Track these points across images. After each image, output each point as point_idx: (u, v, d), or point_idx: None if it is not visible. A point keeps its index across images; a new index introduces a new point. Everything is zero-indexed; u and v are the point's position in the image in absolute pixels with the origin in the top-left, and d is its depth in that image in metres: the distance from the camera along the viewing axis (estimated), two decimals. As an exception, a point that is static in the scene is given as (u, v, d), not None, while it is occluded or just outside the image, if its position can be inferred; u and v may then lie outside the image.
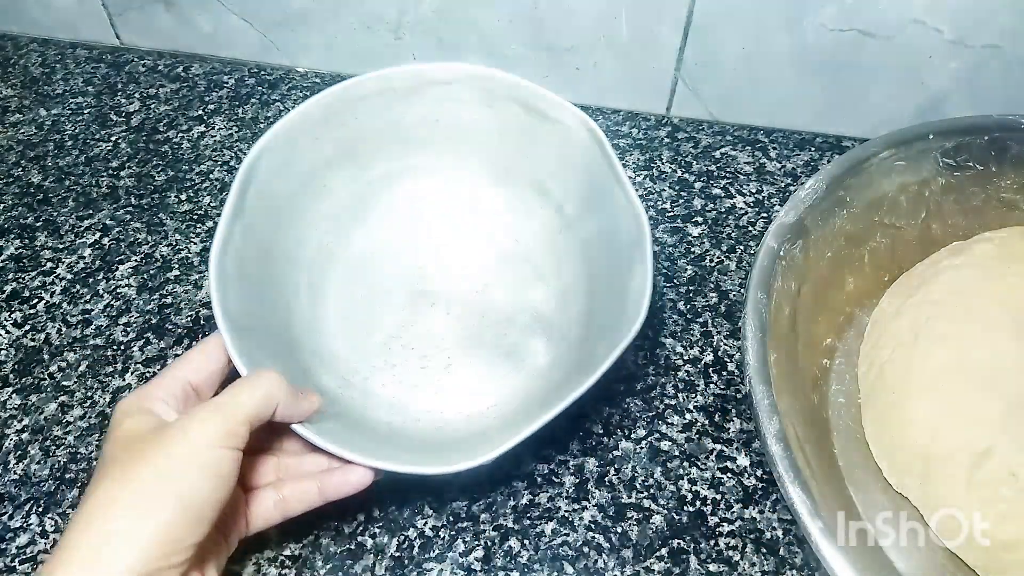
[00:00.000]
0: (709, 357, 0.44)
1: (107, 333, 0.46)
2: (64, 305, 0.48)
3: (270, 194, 0.40)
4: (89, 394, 0.43)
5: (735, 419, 0.42)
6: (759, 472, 0.39)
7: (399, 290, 0.44)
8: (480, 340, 0.42)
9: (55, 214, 0.53)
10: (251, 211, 0.39)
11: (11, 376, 0.44)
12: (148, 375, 0.43)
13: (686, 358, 0.44)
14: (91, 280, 0.49)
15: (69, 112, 0.61)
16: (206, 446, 0.28)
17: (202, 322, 0.46)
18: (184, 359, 0.33)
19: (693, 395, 0.43)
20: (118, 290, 0.48)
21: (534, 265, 0.43)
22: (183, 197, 0.54)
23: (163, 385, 0.32)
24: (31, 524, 0.38)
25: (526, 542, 0.37)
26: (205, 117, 0.60)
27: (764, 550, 0.37)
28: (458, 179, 0.46)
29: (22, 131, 0.60)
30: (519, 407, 0.39)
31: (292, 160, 0.41)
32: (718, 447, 0.41)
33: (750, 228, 0.51)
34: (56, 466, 0.40)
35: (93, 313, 0.47)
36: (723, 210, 0.52)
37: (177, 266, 0.50)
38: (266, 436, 0.34)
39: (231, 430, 0.29)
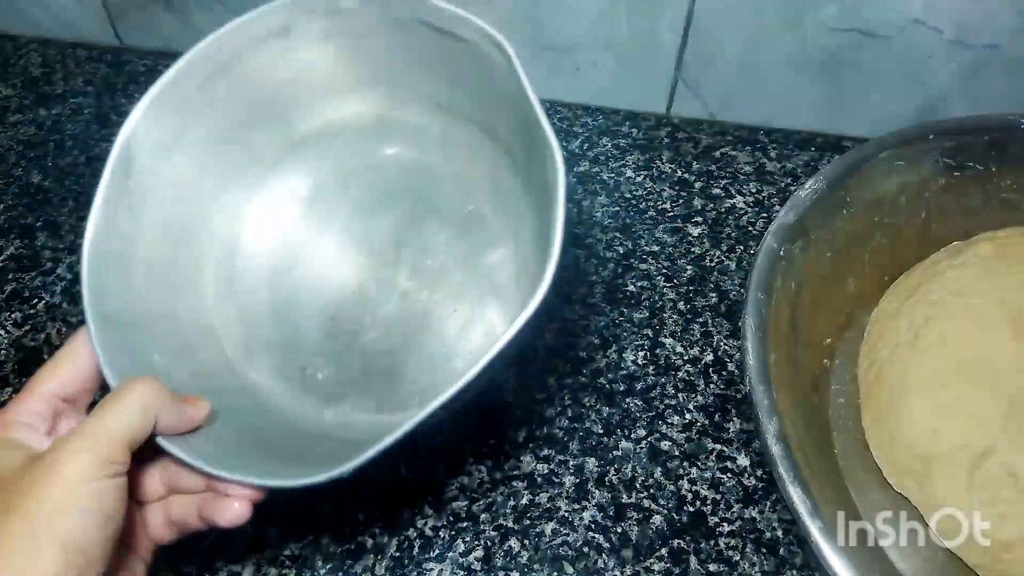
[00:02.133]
0: (709, 357, 0.44)
1: (107, 333, 0.46)
2: (64, 305, 0.48)
3: (163, 170, 0.34)
4: (89, 394, 0.43)
5: (735, 419, 0.42)
6: (759, 472, 0.39)
7: (339, 269, 0.38)
8: (427, 321, 0.37)
9: (55, 214, 0.53)
10: (140, 191, 0.33)
11: (11, 376, 0.44)
12: (148, 375, 0.43)
13: (686, 358, 0.44)
14: (91, 280, 0.49)
15: (69, 112, 0.61)
16: (83, 482, 0.24)
17: (202, 322, 0.46)
18: (48, 369, 0.28)
19: (693, 395, 0.43)
20: (118, 290, 0.48)
21: (491, 229, 0.38)
22: (183, 197, 0.54)
23: (25, 407, 0.27)
24: (31, 524, 0.38)
25: (526, 542, 0.37)
26: (205, 117, 0.60)
27: (764, 550, 0.37)
28: (392, 133, 0.39)
29: (22, 131, 0.60)
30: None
31: (186, 128, 0.35)
32: (718, 447, 0.41)
33: (750, 228, 0.51)
34: (56, 466, 0.40)
35: (93, 313, 0.47)
36: (723, 210, 0.52)
37: (177, 266, 0.50)
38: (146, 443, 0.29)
39: (108, 458, 0.25)
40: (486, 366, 0.26)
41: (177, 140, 0.34)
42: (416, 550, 0.37)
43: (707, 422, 0.42)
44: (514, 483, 0.39)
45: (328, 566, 0.36)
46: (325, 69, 0.37)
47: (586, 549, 0.37)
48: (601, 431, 0.41)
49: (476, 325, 0.37)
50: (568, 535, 0.37)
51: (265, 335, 0.37)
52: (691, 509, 0.38)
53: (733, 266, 0.49)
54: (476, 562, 0.36)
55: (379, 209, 0.39)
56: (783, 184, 0.54)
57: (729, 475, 0.39)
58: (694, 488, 0.39)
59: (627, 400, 0.42)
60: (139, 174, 0.33)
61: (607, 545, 0.37)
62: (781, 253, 0.38)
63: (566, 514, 0.38)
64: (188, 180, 0.35)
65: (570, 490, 0.39)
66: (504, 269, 0.37)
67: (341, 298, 0.38)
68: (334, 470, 0.27)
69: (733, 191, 0.54)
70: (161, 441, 0.28)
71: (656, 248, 0.50)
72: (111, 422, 0.25)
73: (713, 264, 0.49)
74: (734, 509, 0.38)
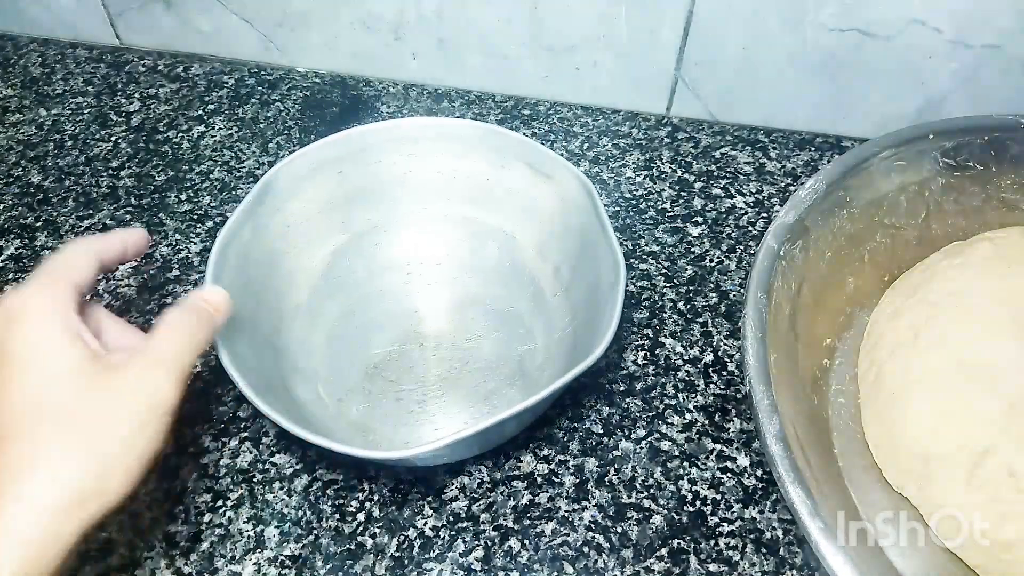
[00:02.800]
0: (709, 357, 0.44)
1: (107, 333, 0.46)
2: (64, 305, 0.47)
3: (285, 210, 0.43)
4: (89, 394, 0.43)
5: (735, 419, 0.42)
6: (759, 472, 0.39)
7: (392, 327, 0.45)
8: (458, 383, 0.42)
9: (55, 214, 0.53)
10: (264, 217, 0.41)
11: (11, 376, 0.44)
12: (148, 375, 0.43)
13: (686, 358, 0.44)
14: (91, 280, 0.49)
15: (69, 112, 0.61)
16: (160, 414, 0.28)
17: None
18: (73, 258, 0.31)
19: (693, 395, 0.43)
20: (118, 290, 0.48)
21: (526, 327, 0.44)
22: (183, 197, 0.54)
23: (67, 295, 0.29)
24: (31, 524, 0.38)
25: (526, 542, 0.37)
26: (205, 117, 0.60)
27: (764, 550, 0.37)
28: (465, 236, 0.47)
29: (22, 131, 0.60)
30: None
31: (311, 186, 0.44)
32: (718, 447, 0.41)
33: (750, 228, 0.51)
34: (56, 466, 0.40)
35: (93, 313, 0.47)
36: (723, 210, 0.52)
37: (177, 266, 0.50)
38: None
39: (178, 392, 0.29)
40: (558, 389, 0.32)
41: (300, 192, 0.43)
42: (416, 550, 0.37)
43: (707, 422, 0.42)
44: (514, 483, 0.39)
45: (328, 566, 0.36)
46: (428, 177, 0.46)
47: (586, 549, 0.37)
48: (601, 431, 0.41)
49: (500, 397, 0.42)
50: (568, 535, 0.37)
51: (314, 364, 0.42)
52: (691, 509, 0.38)
53: (733, 266, 0.49)
54: (476, 562, 0.36)
55: (435, 289, 0.47)
56: (783, 184, 0.54)
57: (729, 475, 0.39)
58: (694, 488, 0.39)
59: (627, 400, 0.42)
60: (267, 205, 0.41)
61: (607, 545, 0.37)
62: (781, 253, 0.38)
63: (566, 514, 0.38)
64: (295, 224, 0.43)
65: (570, 490, 0.39)
66: (532, 359, 0.43)
67: (387, 352, 0.44)
68: (409, 450, 0.31)
69: (733, 191, 0.54)
70: (269, 414, 0.32)
71: (656, 248, 0.50)
72: (184, 358, 0.30)
73: (713, 264, 0.49)
74: (734, 509, 0.38)
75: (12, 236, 0.52)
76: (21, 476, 0.25)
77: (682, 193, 0.54)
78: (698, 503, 0.38)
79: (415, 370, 0.43)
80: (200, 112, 0.61)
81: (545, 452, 0.40)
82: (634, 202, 0.53)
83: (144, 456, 0.28)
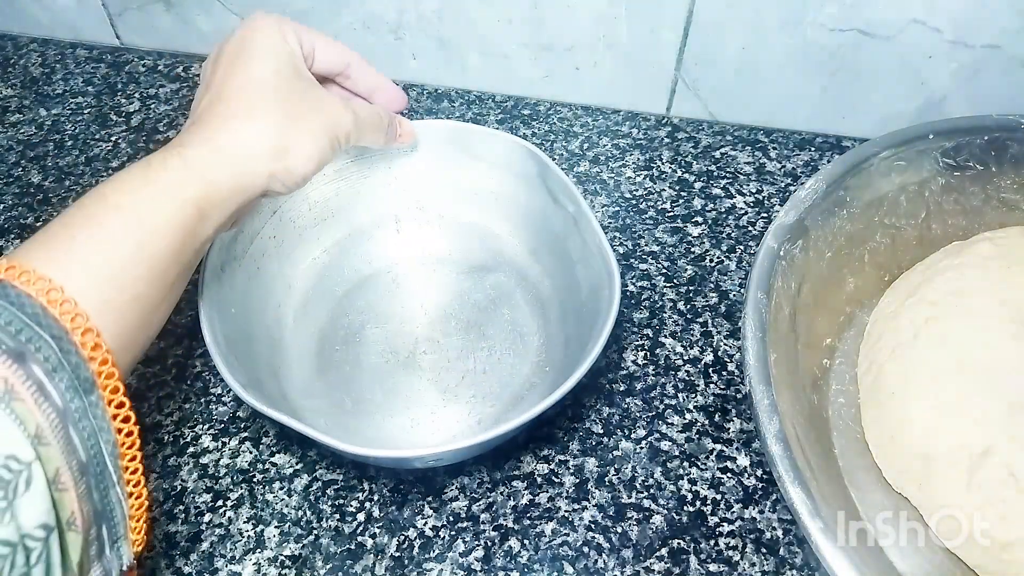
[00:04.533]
0: (709, 357, 0.44)
1: (107, 333, 0.46)
2: (64, 305, 0.47)
3: (279, 210, 0.43)
4: (89, 394, 0.43)
5: (735, 419, 0.42)
6: (759, 472, 0.39)
7: (385, 329, 0.44)
8: (453, 384, 0.42)
9: (55, 214, 0.53)
10: (258, 218, 0.42)
11: (11, 376, 0.44)
12: (148, 375, 0.43)
13: (686, 358, 0.44)
14: (91, 280, 0.49)
15: (69, 112, 0.61)
16: (337, 139, 0.35)
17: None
18: (325, 44, 0.37)
19: (693, 395, 0.43)
20: (118, 290, 0.48)
21: (522, 327, 0.44)
22: (183, 197, 0.54)
23: (296, 40, 0.35)
24: (31, 524, 0.38)
25: (526, 542, 0.37)
26: (205, 117, 0.60)
27: (764, 550, 0.37)
28: (460, 237, 0.47)
29: (22, 131, 0.60)
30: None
31: (306, 186, 0.43)
32: (718, 447, 0.41)
33: (750, 228, 0.51)
34: (56, 466, 0.40)
35: (93, 313, 0.47)
36: (723, 210, 0.52)
37: (177, 266, 0.50)
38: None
39: (350, 135, 0.36)
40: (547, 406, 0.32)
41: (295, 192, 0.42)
42: (416, 550, 0.37)
43: (707, 422, 0.42)
44: (514, 483, 0.39)
45: (328, 566, 0.36)
46: (424, 178, 0.46)
47: (586, 549, 0.37)
48: (601, 431, 0.41)
49: (498, 397, 0.42)
50: (568, 535, 0.37)
51: (307, 365, 0.42)
52: (691, 509, 0.38)
53: (733, 266, 0.49)
54: (476, 562, 0.36)
55: (428, 290, 0.47)
56: (783, 184, 0.54)
57: (729, 475, 0.39)
58: (694, 488, 0.39)
59: (627, 400, 0.42)
60: (260, 206, 0.41)
61: (607, 545, 0.37)
62: (781, 253, 0.38)
63: (566, 514, 0.38)
64: (288, 224, 0.44)
65: (570, 490, 0.39)
66: (529, 359, 0.43)
67: (380, 353, 0.44)
68: (411, 451, 0.33)
69: (733, 191, 0.54)
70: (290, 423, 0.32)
71: (656, 248, 0.50)
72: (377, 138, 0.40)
73: (713, 264, 0.49)
74: (734, 509, 0.38)
75: (12, 236, 0.52)
76: (233, 122, 0.32)
77: (682, 193, 0.54)
78: (698, 503, 0.38)
79: (410, 372, 0.43)
80: (200, 112, 0.61)
81: (545, 452, 0.40)
82: (634, 202, 0.53)
83: (319, 159, 0.34)
